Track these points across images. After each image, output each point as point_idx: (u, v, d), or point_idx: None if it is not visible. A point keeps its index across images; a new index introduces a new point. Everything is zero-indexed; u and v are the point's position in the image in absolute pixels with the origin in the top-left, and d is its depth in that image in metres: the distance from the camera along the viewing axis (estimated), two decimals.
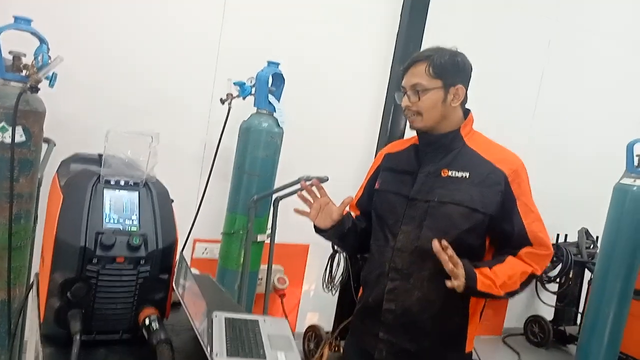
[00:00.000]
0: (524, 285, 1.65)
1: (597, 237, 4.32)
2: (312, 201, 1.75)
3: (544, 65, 4.60)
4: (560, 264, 4.45)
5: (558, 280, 4.52)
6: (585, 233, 4.69)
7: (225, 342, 1.41)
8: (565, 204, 4.68)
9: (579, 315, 4.63)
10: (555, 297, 4.69)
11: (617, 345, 3.53)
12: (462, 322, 1.72)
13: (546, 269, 4.49)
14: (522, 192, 1.65)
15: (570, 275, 4.46)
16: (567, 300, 4.69)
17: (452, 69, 1.68)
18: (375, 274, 1.77)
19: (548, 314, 4.80)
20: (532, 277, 1.66)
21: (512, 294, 1.64)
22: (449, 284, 1.55)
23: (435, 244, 1.54)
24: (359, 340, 1.86)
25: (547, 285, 4.64)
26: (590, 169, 4.79)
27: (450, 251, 1.54)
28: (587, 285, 4.27)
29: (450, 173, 1.67)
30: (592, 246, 4.64)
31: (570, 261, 4.38)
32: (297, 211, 1.77)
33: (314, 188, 1.75)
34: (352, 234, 1.82)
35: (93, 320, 1.38)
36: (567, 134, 4.82)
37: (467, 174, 1.66)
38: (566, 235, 4.64)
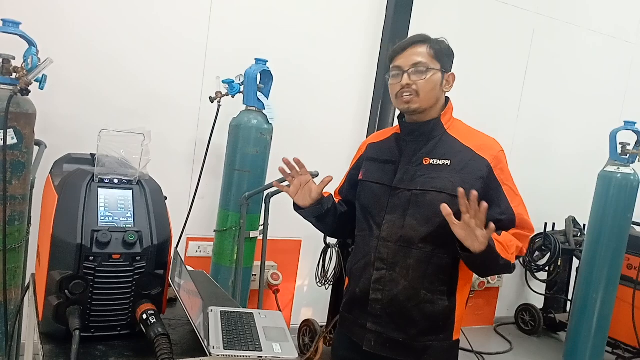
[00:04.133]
0: (516, 259, 1.65)
1: (584, 225, 4.38)
2: (292, 176, 1.74)
3: (528, 58, 4.65)
4: (549, 253, 4.51)
5: (547, 268, 4.57)
6: (572, 221, 4.74)
7: (222, 335, 1.44)
8: (552, 193, 4.75)
9: (568, 303, 4.70)
10: (544, 285, 4.76)
11: (606, 331, 3.59)
12: (449, 309, 1.71)
13: (536, 257, 4.63)
14: (505, 177, 1.68)
15: (559, 263, 4.52)
16: (556, 288, 4.75)
17: (447, 55, 1.73)
18: (362, 264, 1.78)
19: (538, 302, 4.86)
20: (519, 256, 1.68)
21: (510, 265, 1.63)
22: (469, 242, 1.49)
23: (461, 190, 1.47)
24: (347, 331, 1.85)
25: (537, 274, 4.72)
26: (576, 158, 4.88)
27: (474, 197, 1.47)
28: (575, 273, 4.33)
29: (431, 161, 1.70)
30: (579, 234, 4.71)
31: (559, 249, 4.44)
32: (277, 185, 1.79)
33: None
34: (331, 216, 1.82)
35: (91, 317, 1.41)
36: (552, 124, 4.87)
37: (449, 162, 1.68)
38: (554, 224, 4.69)
